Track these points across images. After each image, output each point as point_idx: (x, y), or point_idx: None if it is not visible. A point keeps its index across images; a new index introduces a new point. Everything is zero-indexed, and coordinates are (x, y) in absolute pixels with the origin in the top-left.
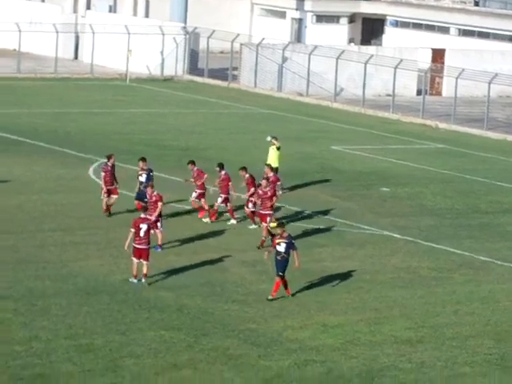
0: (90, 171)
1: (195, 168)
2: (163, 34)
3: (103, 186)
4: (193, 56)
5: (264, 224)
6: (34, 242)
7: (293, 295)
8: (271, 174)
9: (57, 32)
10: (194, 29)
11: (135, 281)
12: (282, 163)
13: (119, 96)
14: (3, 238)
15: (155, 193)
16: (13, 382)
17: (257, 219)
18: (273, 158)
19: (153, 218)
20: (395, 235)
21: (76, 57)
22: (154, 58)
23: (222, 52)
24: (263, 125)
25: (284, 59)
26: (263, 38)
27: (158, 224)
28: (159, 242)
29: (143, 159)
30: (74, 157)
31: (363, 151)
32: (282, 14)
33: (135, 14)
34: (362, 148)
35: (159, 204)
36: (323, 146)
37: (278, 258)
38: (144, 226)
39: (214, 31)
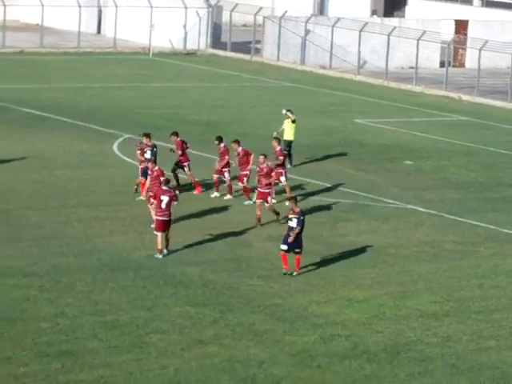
0: (114, 146)
1: (178, 139)
2: (186, 8)
3: (139, 165)
4: (216, 29)
5: (266, 204)
6: (58, 218)
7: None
8: (278, 148)
9: (79, 6)
10: (217, 2)
11: (160, 256)
12: (304, 137)
13: (142, 70)
14: (27, 214)
15: (156, 168)
16: (39, 359)
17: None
18: (288, 131)
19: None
20: (419, 209)
21: (99, 31)
22: (176, 31)
23: (244, 25)
24: (286, 98)
25: (307, 32)
26: (286, 11)
27: None
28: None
29: (147, 135)
30: (96, 132)
31: (386, 124)
32: None
33: None
34: (386, 121)
35: (162, 179)
36: (346, 119)
37: (291, 234)
38: (165, 198)
39: (236, 4)
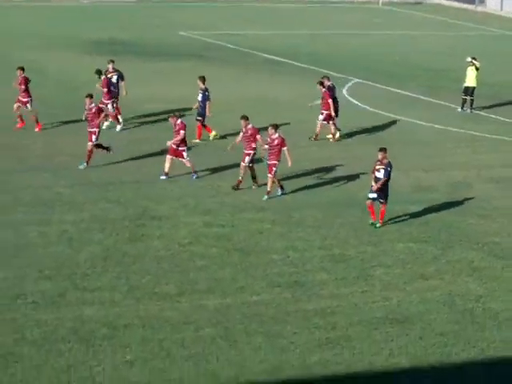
0: (344, 90)
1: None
2: None
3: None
4: None
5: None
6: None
7: None
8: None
9: None
10: None
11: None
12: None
13: (373, 18)
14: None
15: (179, 121)
16: (270, 289)
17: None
18: (472, 77)
19: (173, 144)
20: None
21: None
22: None
23: None
24: (509, 47)
25: None
26: None
27: (184, 154)
28: (192, 170)
29: (201, 78)
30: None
31: None
32: None
33: None
34: None
35: (181, 132)
36: None
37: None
38: None
39: None
